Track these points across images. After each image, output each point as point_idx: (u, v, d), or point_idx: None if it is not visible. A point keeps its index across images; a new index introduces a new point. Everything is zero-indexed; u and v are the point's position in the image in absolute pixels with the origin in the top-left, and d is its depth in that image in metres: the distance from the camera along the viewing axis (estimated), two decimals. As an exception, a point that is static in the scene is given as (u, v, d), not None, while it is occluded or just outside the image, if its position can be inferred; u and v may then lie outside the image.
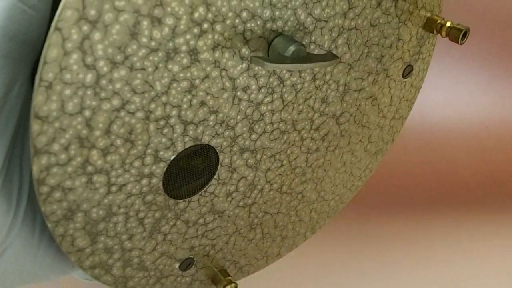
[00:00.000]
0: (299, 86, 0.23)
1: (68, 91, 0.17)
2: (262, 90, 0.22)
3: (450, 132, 0.74)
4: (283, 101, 0.23)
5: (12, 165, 0.19)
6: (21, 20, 0.17)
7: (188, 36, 0.18)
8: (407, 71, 0.28)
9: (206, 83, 0.20)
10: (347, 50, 0.23)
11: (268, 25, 0.20)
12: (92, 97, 0.17)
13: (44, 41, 0.18)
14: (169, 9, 0.17)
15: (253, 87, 0.21)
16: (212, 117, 0.21)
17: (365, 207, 0.63)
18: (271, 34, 0.20)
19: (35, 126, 0.16)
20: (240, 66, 0.20)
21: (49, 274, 0.22)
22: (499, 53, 0.76)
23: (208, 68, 0.19)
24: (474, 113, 0.75)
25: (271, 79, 0.22)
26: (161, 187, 0.21)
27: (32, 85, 0.19)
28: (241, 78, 0.20)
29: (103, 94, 0.17)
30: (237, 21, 0.19)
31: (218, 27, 0.19)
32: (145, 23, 0.17)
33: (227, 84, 0.20)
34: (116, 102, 0.18)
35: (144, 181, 0.20)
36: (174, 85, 0.19)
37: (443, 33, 0.26)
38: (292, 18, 0.20)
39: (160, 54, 0.18)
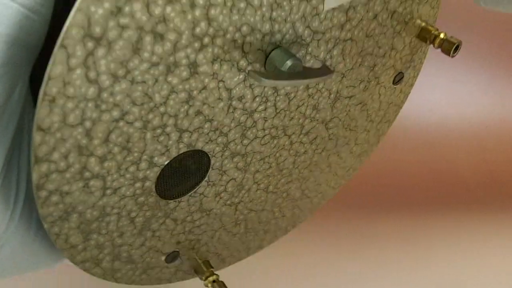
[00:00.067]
0: (292, 95, 0.23)
1: (70, 104, 0.17)
2: (257, 99, 0.22)
3: (450, 132, 0.74)
4: (276, 108, 0.23)
5: (10, 165, 0.20)
6: (24, 26, 0.17)
7: (188, 50, 0.18)
8: (398, 78, 0.28)
9: (204, 94, 0.20)
10: (341, 60, 0.24)
11: (267, 38, 0.20)
12: (93, 109, 0.18)
13: (43, 43, 0.18)
14: (171, 25, 0.17)
15: (248, 96, 0.22)
16: (207, 125, 0.21)
17: (365, 207, 0.63)
18: (269, 46, 0.20)
19: (37, 137, 0.17)
20: (237, 77, 0.21)
21: (44, 263, 0.23)
22: (499, 53, 0.76)
23: (206, 80, 0.20)
24: (474, 113, 0.75)
25: (266, 89, 0.22)
26: (154, 189, 0.22)
27: (30, 85, 0.20)
28: (237, 88, 0.21)
29: (103, 106, 0.18)
30: (237, 35, 0.19)
31: (218, 41, 0.19)
32: (147, 38, 0.17)
33: (224, 94, 0.21)
34: (115, 113, 0.18)
35: (138, 184, 0.21)
36: (173, 96, 0.19)
37: (436, 44, 0.26)
38: (290, 31, 0.21)
39: (160, 68, 0.18)
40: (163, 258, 0.26)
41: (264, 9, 0.19)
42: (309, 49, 0.22)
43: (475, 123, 0.74)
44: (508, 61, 0.76)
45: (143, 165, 0.20)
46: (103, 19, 0.16)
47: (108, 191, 0.20)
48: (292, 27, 0.21)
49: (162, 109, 0.19)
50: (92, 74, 0.17)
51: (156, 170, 0.21)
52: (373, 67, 0.26)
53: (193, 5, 0.18)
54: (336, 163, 0.30)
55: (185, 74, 0.19)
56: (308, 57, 0.22)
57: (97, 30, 0.16)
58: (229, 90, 0.21)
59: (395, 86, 0.28)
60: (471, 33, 0.74)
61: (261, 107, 0.22)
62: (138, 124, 0.19)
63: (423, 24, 0.26)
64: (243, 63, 0.20)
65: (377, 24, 0.24)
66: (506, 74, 0.76)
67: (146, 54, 0.17)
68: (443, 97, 0.75)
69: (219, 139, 0.22)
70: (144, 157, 0.20)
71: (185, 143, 0.21)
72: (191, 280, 0.29)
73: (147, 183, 0.21)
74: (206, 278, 0.26)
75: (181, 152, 0.21)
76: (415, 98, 0.73)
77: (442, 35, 0.26)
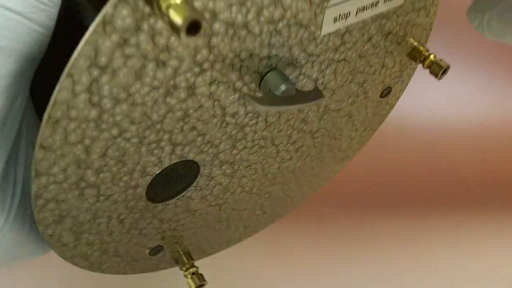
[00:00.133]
0: (283, 110, 0.24)
1: (72, 125, 0.18)
2: (249, 115, 0.23)
3: (450, 132, 0.74)
4: (266, 122, 0.24)
5: (9, 168, 0.20)
6: (30, 39, 0.17)
7: (188, 75, 0.19)
8: (386, 92, 0.29)
9: (199, 112, 0.21)
10: (333, 78, 0.25)
11: (264, 61, 0.21)
12: (93, 129, 0.18)
13: (45, 54, 0.19)
14: (174, 53, 0.18)
15: (241, 112, 0.22)
16: (199, 139, 0.22)
17: (364, 207, 0.63)
18: (265, 68, 0.21)
19: (39, 154, 0.18)
20: (233, 96, 0.21)
21: (37, 253, 0.24)
22: (499, 53, 0.76)
23: (203, 100, 0.20)
24: (474, 113, 0.75)
25: None
26: (144, 195, 0.23)
27: (30, 93, 0.20)
28: (231, 106, 0.22)
29: (103, 126, 0.19)
30: (235, 60, 0.20)
31: (217, 65, 0.20)
32: (150, 66, 0.18)
33: (218, 111, 0.22)
34: (114, 131, 0.19)
35: (130, 191, 0.22)
36: (169, 115, 0.20)
37: (425, 65, 0.27)
38: (287, 55, 0.21)
39: (160, 90, 0.19)
40: (147, 251, 0.27)
41: (263, 36, 0.20)
42: (303, 70, 0.23)
43: (475, 123, 0.74)
44: (508, 61, 0.76)
45: (136, 174, 0.21)
46: (109, 50, 0.16)
47: (102, 198, 0.21)
48: (289, 51, 0.21)
49: (158, 126, 0.20)
50: (95, 99, 0.17)
51: (148, 179, 0.22)
52: (363, 84, 0.27)
53: None
54: (319, 167, 0.31)
55: (183, 95, 0.20)
56: (301, 77, 0.23)
57: (103, 59, 0.17)
58: (223, 108, 0.21)
59: (382, 99, 0.29)
60: (471, 33, 0.74)
61: (252, 121, 0.23)
62: (134, 140, 0.20)
63: (415, 43, 0.27)
64: (239, 84, 0.21)
65: (370, 46, 0.25)
66: (506, 74, 0.76)
67: (147, 79, 0.18)
68: (443, 97, 0.75)
69: (210, 150, 0.23)
70: (138, 168, 0.21)
71: (177, 154, 0.22)
72: (170, 271, 0.31)
73: (138, 190, 0.22)
74: (187, 269, 0.28)
75: (172, 162, 0.22)
76: (415, 98, 0.73)
77: (432, 57, 0.26)
